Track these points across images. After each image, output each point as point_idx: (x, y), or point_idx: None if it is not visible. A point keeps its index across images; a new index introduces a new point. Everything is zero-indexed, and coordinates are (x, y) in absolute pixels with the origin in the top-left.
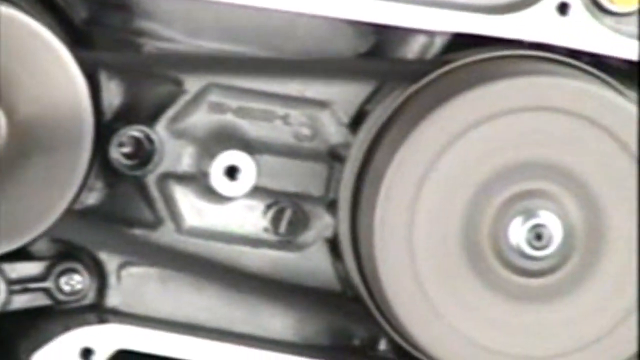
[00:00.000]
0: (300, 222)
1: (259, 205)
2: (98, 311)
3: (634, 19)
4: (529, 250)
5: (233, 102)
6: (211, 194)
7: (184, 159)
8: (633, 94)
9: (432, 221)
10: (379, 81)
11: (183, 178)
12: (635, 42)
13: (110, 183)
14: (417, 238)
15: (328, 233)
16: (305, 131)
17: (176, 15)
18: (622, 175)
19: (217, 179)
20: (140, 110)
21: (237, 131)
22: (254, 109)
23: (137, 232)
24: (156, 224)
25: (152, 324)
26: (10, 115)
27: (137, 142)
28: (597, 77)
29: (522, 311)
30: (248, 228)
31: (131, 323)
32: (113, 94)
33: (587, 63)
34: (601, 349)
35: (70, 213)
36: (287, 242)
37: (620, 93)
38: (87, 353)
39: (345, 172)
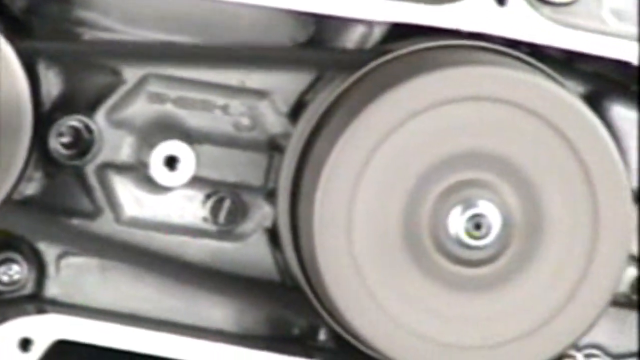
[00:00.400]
0: (239, 212)
1: (198, 195)
2: (37, 301)
3: (572, 9)
4: (468, 240)
5: (172, 92)
6: (150, 184)
7: (123, 148)
8: (571, 84)
9: (371, 211)
10: (318, 71)
11: (122, 168)
12: (573, 31)
13: (49, 173)
14: (357, 228)
15: (267, 223)
16: (245, 121)
17: (115, 4)
18: (560, 164)
19: (157, 169)
20: (79, 100)
21: (176, 121)
22: (193, 99)
23: (76, 222)
24: (95, 214)
25: (92, 314)
26: None
27: (76, 132)
28: (535, 67)
29: (461, 301)
30: (187, 218)
31: (70, 313)
32: (52, 83)
33: (525, 53)
34: (540, 339)
35: (9, 203)
36: (227, 232)
37: (558, 83)
38: (25, 343)
39: (285, 162)
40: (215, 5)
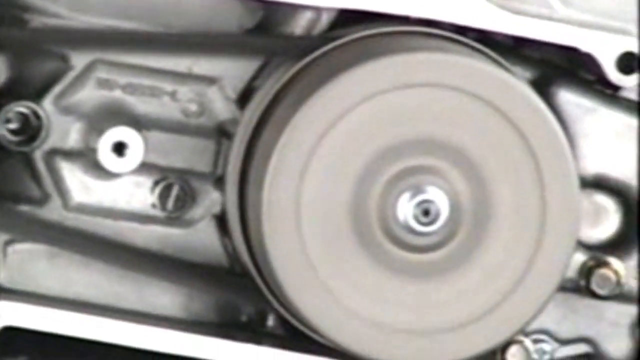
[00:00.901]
0: (187, 199)
1: (146, 181)
2: None
3: None
4: (417, 226)
5: (121, 79)
6: (99, 170)
7: (72, 135)
8: (518, 70)
9: (320, 198)
10: (266, 57)
11: (70, 154)
12: (520, 17)
13: None
14: (305, 214)
15: (216, 209)
16: (193, 107)
17: None
18: (508, 150)
19: (105, 155)
20: (27, 86)
21: (125, 107)
22: (141, 85)
23: (24, 208)
24: (43, 200)
25: (40, 301)
26: None
27: (24, 118)
28: (483, 53)
29: (410, 286)
30: (135, 204)
31: (18, 300)
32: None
33: (473, 39)
34: (488, 324)
35: None
36: (175, 219)
37: (506, 69)
38: None
39: (233, 149)
40: None
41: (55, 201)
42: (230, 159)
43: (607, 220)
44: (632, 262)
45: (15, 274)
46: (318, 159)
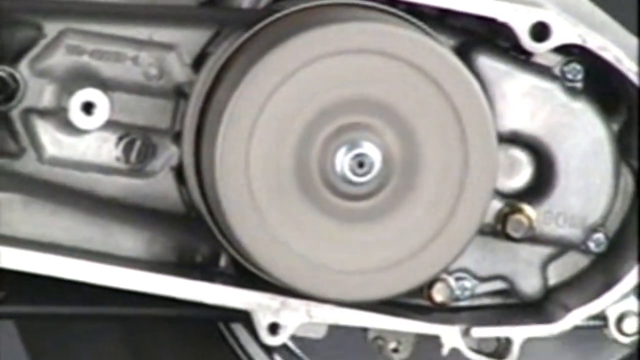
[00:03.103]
0: (148, 152)
1: (111, 137)
2: None
3: None
4: (352, 177)
5: (88, 45)
6: (69, 127)
7: (45, 95)
8: (443, 38)
9: (267, 152)
10: (218, 27)
11: (44, 113)
12: None
13: None
14: (254, 166)
15: (174, 162)
16: (153, 71)
17: None
18: (434, 109)
19: (75, 114)
20: (4, 52)
21: (92, 71)
22: (107, 51)
23: (2, 161)
24: (19, 154)
25: (17, 243)
26: None
27: (1, 80)
28: (411, 23)
29: (347, 231)
30: (102, 158)
31: None
32: None
33: (403, 11)
34: (416, 263)
35: None
36: (137, 170)
37: (432, 37)
38: None
39: (190, 108)
40: None
41: (31, 155)
42: (187, 117)
43: (521, 171)
44: (543, 208)
45: None
46: (265, 117)
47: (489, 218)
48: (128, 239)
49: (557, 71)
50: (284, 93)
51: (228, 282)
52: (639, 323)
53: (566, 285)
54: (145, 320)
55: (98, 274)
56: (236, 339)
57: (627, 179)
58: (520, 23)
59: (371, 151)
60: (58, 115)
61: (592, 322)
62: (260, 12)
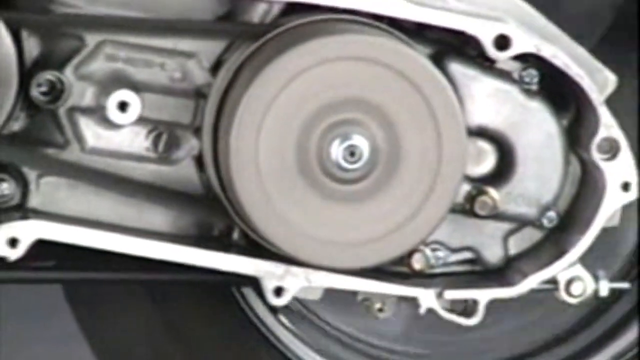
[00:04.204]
0: (173, 144)
1: (142, 131)
2: (22, 211)
3: None
4: (344, 164)
5: (123, 54)
6: (107, 122)
7: (87, 96)
8: (420, 47)
9: (273, 143)
10: (232, 38)
11: (86, 110)
12: (422, 8)
13: (30, 114)
14: (262, 155)
15: (195, 152)
16: (177, 75)
17: None
18: (414, 107)
19: (112, 111)
20: (53, 59)
21: (126, 75)
22: (138, 58)
23: (51, 151)
24: (65, 145)
25: (63, 220)
26: None
27: (51, 83)
28: (394, 35)
29: (340, 210)
30: (134, 148)
31: (47, 219)
32: (32, 46)
33: (387, 24)
34: (399, 237)
35: (0, 137)
36: (164, 159)
37: (411, 46)
38: (13, 242)
39: (208, 106)
40: None
41: (74, 146)
42: (206, 114)
43: (486, 160)
44: (504, 190)
45: (45, 199)
46: (271, 114)
47: (460, 198)
48: (157, 216)
49: (516, 75)
50: (287, 93)
51: (240, 253)
52: (584, 287)
53: (524, 255)
54: (171, 285)
55: (132, 245)
56: (247, 301)
57: (575, 166)
58: (485, 35)
59: (360, 142)
60: (97, 113)
61: (545, 286)
62: (268, 26)
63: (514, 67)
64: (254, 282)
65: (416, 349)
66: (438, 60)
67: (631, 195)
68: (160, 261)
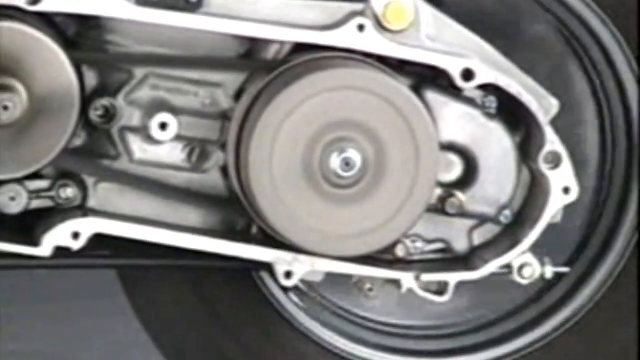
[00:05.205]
0: (204, 156)
1: (179, 146)
2: (82, 210)
3: (403, 34)
4: (341, 173)
5: (164, 84)
6: (150, 139)
7: (134, 118)
8: (402, 79)
9: (284, 156)
10: (251, 71)
11: (134, 129)
12: (404, 47)
13: (89, 133)
14: (275, 166)
15: (221, 163)
16: (207, 101)
17: (130, 33)
18: (397, 127)
19: (154, 131)
20: (108, 89)
21: (166, 101)
22: (176, 88)
23: (105, 162)
24: (116, 157)
25: (116, 217)
26: (30, 92)
27: (105, 108)
28: (381, 69)
29: (337, 210)
30: (173, 160)
31: (103, 217)
32: (91, 78)
33: (376, 60)
34: (384, 231)
35: (65, 151)
36: (197, 168)
37: (394, 77)
38: (76, 235)
39: (232, 126)
40: (190, 34)
41: (124, 158)
42: (230, 132)
43: (454, 169)
44: (469, 193)
45: (101, 202)
46: (283, 131)
47: (433, 200)
48: (190, 215)
49: (479, 101)
50: (295, 116)
51: (258, 244)
52: (533, 270)
53: (485, 245)
54: (203, 270)
55: (171, 238)
56: (263, 282)
57: (526, 174)
58: (454, 69)
59: (354, 155)
60: (143, 131)
61: (502, 270)
62: (280, 62)
63: (477, 94)
64: (269, 268)
65: (400, 320)
66: (417, 89)
67: (571, 198)
68: (194, 250)
